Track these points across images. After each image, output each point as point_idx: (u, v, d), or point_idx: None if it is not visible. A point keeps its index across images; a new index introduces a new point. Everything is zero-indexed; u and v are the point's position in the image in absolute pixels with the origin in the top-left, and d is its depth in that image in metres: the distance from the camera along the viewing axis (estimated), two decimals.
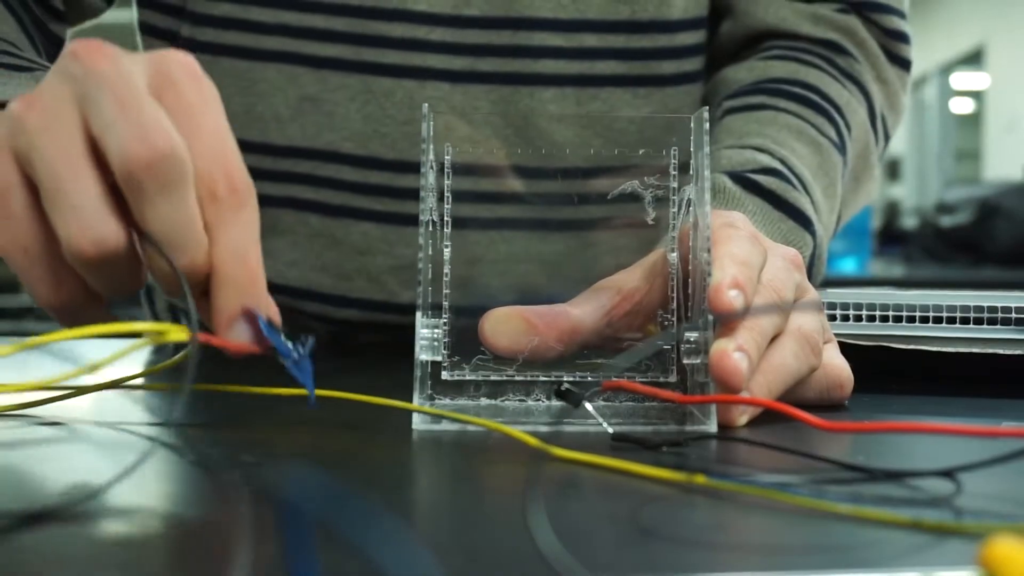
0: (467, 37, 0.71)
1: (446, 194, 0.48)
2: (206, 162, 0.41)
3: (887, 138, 0.81)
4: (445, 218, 0.47)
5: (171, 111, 0.41)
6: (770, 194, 0.65)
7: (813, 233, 0.66)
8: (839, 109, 0.74)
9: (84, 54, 0.41)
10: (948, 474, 0.34)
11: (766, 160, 0.67)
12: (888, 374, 0.56)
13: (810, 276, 0.68)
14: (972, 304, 0.58)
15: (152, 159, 0.39)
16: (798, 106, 0.72)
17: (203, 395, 0.51)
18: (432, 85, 0.71)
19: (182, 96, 0.42)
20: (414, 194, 0.74)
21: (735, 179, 0.65)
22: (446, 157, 0.48)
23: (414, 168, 0.72)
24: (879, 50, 0.78)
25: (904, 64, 0.80)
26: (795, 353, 0.46)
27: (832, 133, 0.72)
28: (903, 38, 0.79)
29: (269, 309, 0.42)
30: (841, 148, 0.73)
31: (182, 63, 0.42)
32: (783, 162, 0.67)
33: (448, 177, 0.48)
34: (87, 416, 0.47)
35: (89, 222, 0.40)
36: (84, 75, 0.41)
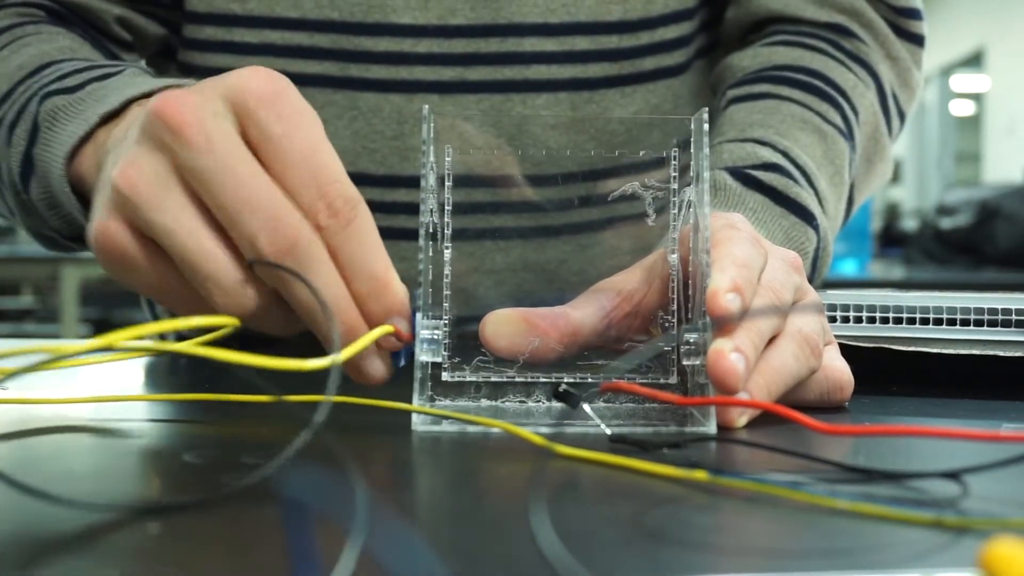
0: (455, 47, 0.70)
1: (446, 207, 0.47)
2: (302, 196, 0.42)
3: (902, 116, 0.80)
4: (445, 232, 0.47)
5: (256, 149, 0.43)
6: (771, 190, 0.65)
7: (816, 228, 0.66)
8: (845, 94, 0.73)
9: (167, 115, 0.42)
10: (954, 476, 0.34)
11: (767, 154, 0.66)
12: (888, 376, 0.56)
13: (815, 269, 0.68)
14: (972, 306, 0.58)
15: (282, 250, 0.41)
16: (802, 94, 0.72)
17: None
18: (421, 98, 0.70)
19: (263, 129, 0.43)
20: (405, 208, 0.74)
21: (735, 175, 0.65)
22: (447, 160, 0.48)
23: (404, 183, 0.72)
24: (888, 28, 0.78)
25: (916, 39, 0.79)
26: (794, 355, 0.46)
27: (838, 119, 0.72)
28: (913, 14, 0.78)
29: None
30: (848, 134, 0.72)
31: (254, 91, 0.43)
32: (785, 155, 0.67)
33: (448, 185, 0.48)
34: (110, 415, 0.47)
35: (230, 295, 0.42)
36: (175, 143, 0.42)
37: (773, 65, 0.74)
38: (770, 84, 0.72)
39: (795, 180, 0.66)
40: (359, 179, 0.71)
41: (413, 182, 0.72)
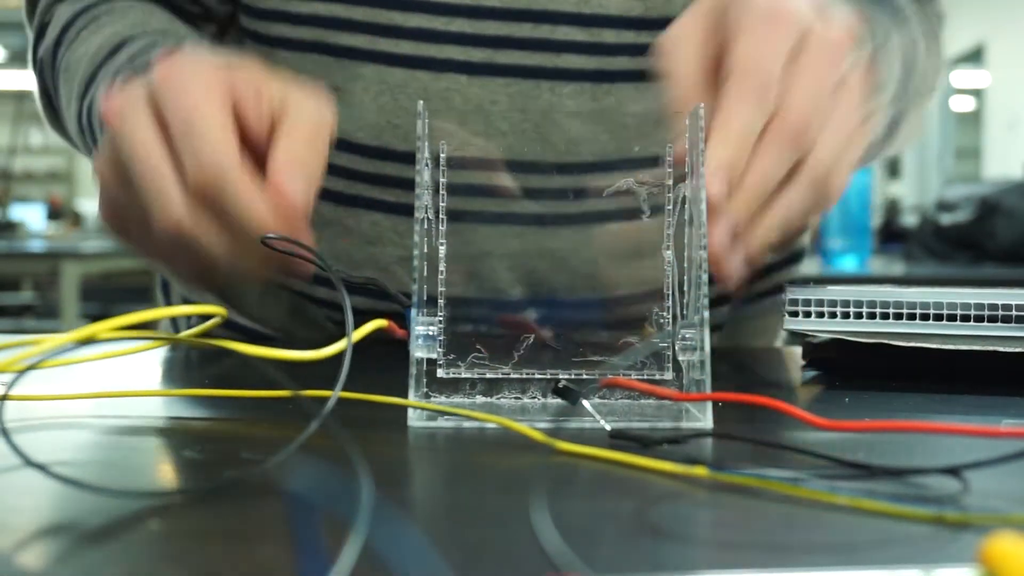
0: (486, 29, 0.71)
1: (442, 191, 0.47)
2: (184, 164, 0.49)
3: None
4: (441, 215, 0.47)
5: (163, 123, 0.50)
6: None
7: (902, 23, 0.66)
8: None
9: (102, 111, 0.51)
10: (954, 472, 0.33)
11: None
12: (888, 372, 0.56)
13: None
14: (972, 302, 0.58)
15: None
16: None
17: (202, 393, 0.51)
18: (448, 78, 0.71)
19: (159, 103, 0.50)
20: None
21: None
22: (441, 155, 0.48)
23: None
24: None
25: (940, 17, 0.81)
26: (789, 204, 0.48)
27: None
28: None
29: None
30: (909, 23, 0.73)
31: (157, 77, 0.50)
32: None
33: (443, 175, 0.48)
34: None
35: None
36: (109, 131, 0.52)
37: None
38: None
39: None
40: (382, 153, 0.73)
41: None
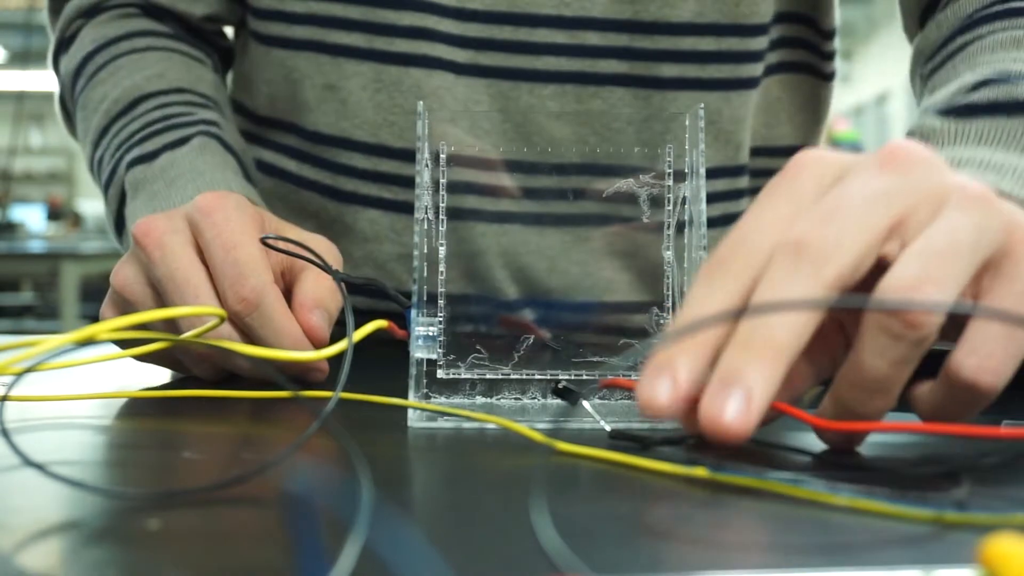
0: (469, 30, 0.71)
1: (442, 191, 0.47)
2: (221, 285, 0.53)
3: None
4: (441, 216, 0.47)
5: (202, 249, 0.54)
6: (994, 106, 0.54)
7: None
8: None
9: (137, 236, 0.55)
10: (954, 472, 0.33)
11: (973, 77, 0.58)
12: None
13: None
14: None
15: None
16: (1003, 21, 0.63)
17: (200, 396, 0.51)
18: (439, 75, 0.71)
19: (200, 233, 0.54)
20: None
21: (943, 114, 0.56)
22: (442, 156, 0.48)
23: None
24: None
25: None
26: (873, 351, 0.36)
27: None
28: None
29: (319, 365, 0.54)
30: None
31: (200, 207, 0.55)
32: (1000, 75, 0.58)
33: (443, 175, 0.48)
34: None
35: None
36: (141, 255, 0.55)
37: (961, 19, 0.67)
38: (962, 34, 0.65)
39: (1019, 80, 0.56)
40: (379, 151, 0.74)
41: None
